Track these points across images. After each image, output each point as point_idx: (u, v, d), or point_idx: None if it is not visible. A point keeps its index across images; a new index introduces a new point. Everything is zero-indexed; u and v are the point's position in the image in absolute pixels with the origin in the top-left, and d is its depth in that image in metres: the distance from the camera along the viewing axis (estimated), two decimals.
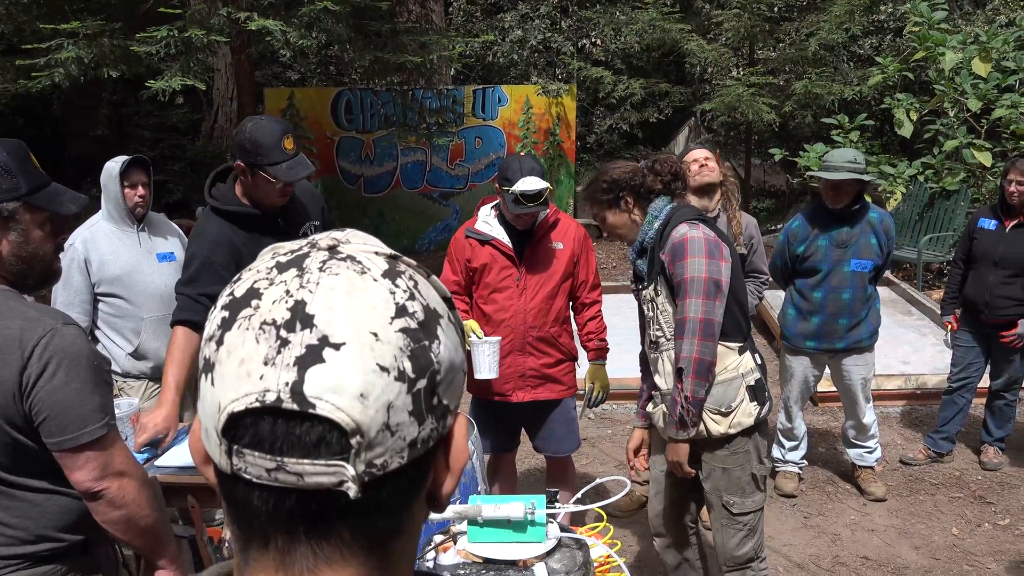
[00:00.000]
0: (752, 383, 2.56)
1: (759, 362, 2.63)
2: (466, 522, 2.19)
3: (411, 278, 0.57)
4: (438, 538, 2.25)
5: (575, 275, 3.15)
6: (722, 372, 2.53)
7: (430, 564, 2.17)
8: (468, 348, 3.03)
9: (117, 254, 3.21)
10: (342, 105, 9.41)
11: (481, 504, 2.21)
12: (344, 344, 0.52)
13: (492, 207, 3.15)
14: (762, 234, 3.81)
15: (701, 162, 3.49)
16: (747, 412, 2.54)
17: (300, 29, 6.29)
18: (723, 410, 2.54)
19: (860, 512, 3.92)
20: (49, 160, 9.67)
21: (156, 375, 3.36)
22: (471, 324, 3.06)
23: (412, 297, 0.56)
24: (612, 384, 5.57)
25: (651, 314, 2.62)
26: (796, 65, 9.64)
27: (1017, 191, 3.94)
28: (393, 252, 0.59)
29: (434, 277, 0.61)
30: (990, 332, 4.11)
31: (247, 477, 0.53)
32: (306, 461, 0.52)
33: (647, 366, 2.79)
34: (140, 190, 3.27)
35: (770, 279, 3.73)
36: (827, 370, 4.03)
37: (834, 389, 4.34)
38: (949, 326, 4.35)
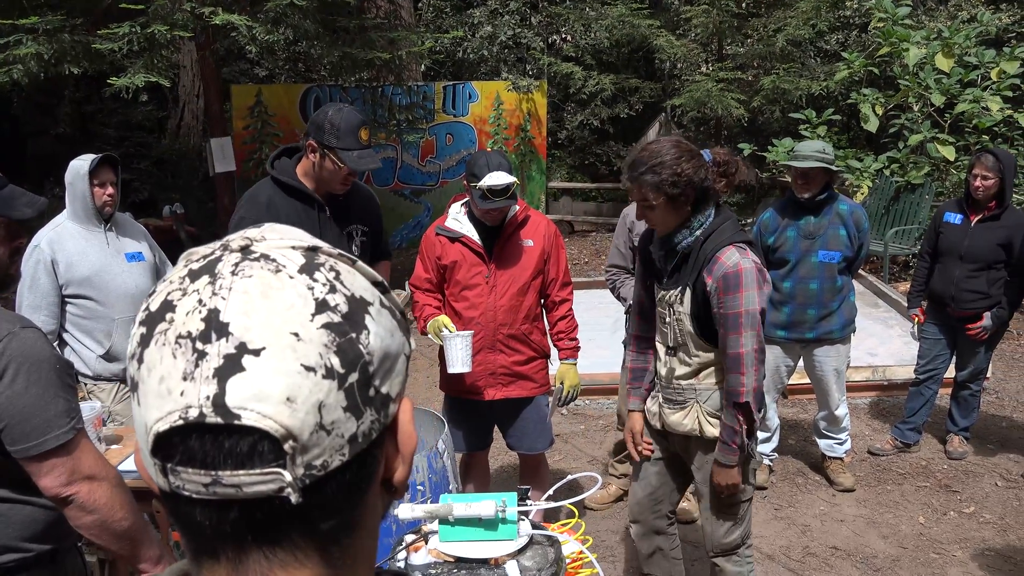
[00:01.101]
0: None
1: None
2: (437, 521, 2.17)
3: (332, 269, 0.55)
4: (409, 538, 2.23)
5: (545, 272, 3.14)
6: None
7: (401, 564, 2.15)
8: (440, 343, 3.01)
9: (85, 254, 3.15)
10: (311, 102, 9.32)
11: (452, 503, 2.20)
12: (263, 349, 0.51)
13: (462, 204, 3.13)
14: None
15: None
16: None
17: (266, 24, 6.21)
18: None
19: (829, 503, 3.97)
20: (9, 159, 9.46)
21: (126, 377, 3.29)
22: (443, 319, 3.04)
23: (333, 290, 0.54)
24: (584, 380, 5.55)
25: (667, 317, 2.57)
26: (764, 61, 9.72)
27: (982, 185, 4.00)
28: (313, 243, 0.57)
29: (360, 263, 0.58)
30: (956, 325, 4.18)
31: (186, 494, 0.52)
32: (241, 472, 0.50)
33: (644, 345, 2.76)
34: (109, 189, 3.22)
35: None
36: (800, 362, 4.08)
37: (805, 381, 4.39)
38: (916, 319, 4.41)
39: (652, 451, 2.79)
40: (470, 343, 2.96)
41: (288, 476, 0.50)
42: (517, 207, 3.10)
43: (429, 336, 3.08)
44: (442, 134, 9.71)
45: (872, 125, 7.73)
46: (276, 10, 6.28)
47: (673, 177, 2.34)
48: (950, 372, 4.40)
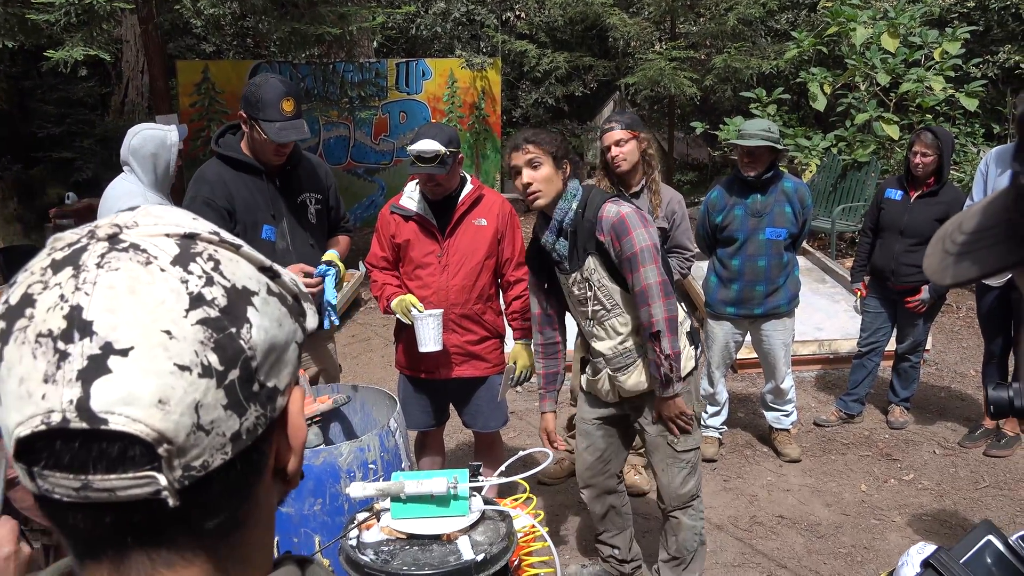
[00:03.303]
0: (688, 329, 2.74)
1: (686, 310, 2.79)
2: (389, 499, 2.18)
3: (210, 258, 0.52)
4: (361, 516, 2.24)
5: (499, 252, 3.14)
6: None
7: (353, 542, 2.16)
8: (409, 322, 3.01)
9: None
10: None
11: (404, 480, 2.21)
12: (131, 349, 0.48)
13: (417, 183, 3.12)
14: (687, 207, 3.85)
15: (614, 152, 3.46)
16: (689, 356, 2.71)
17: None
18: None
19: (776, 473, 4.08)
20: None
21: None
22: (410, 299, 3.03)
23: (210, 282, 0.51)
24: None
25: (587, 293, 2.68)
26: (716, 39, 9.80)
27: (921, 162, 4.11)
28: (190, 230, 0.53)
29: (246, 249, 0.55)
30: (896, 298, 4.30)
31: (56, 497, 0.49)
32: (113, 476, 0.48)
33: (551, 350, 2.91)
34: (179, 160, 3.34)
35: (695, 255, 3.78)
36: (748, 337, 4.16)
37: (753, 356, 4.48)
38: (858, 293, 4.53)
39: (565, 446, 2.98)
40: (440, 322, 2.97)
41: (163, 480, 0.48)
42: (471, 186, 3.10)
43: (396, 316, 3.07)
44: (395, 112, 9.60)
45: (820, 104, 7.86)
46: None
47: (559, 141, 2.69)
48: (891, 345, 4.54)
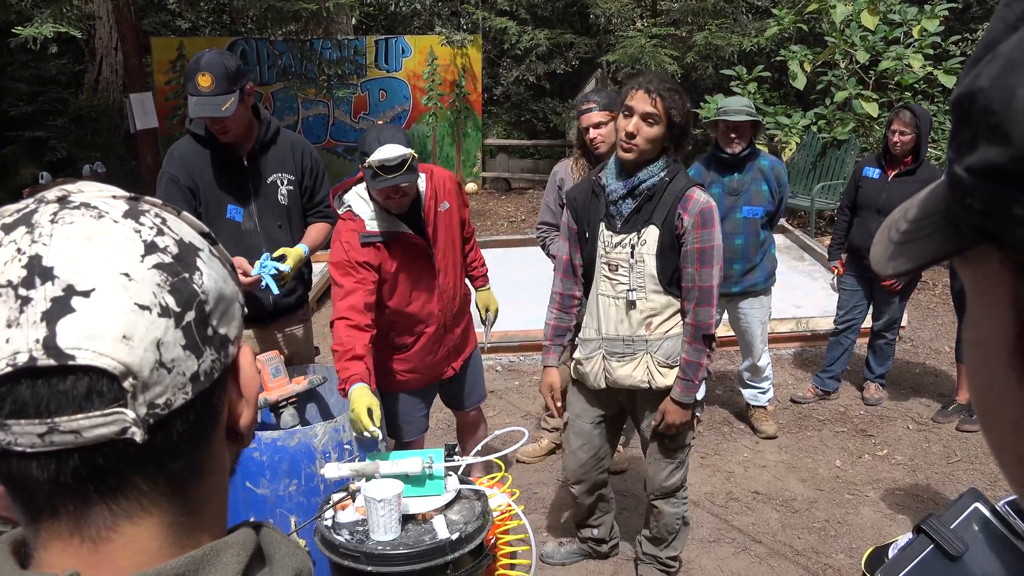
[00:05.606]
0: None
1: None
2: (364, 479, 2.18)
3: (157, 215, 0.55)
4: (337, 496, 2.24)
5: (463, 224, 3.01)
6: (675, 327, 2.61)
7: (328, 522, 2.16)
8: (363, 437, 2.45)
9: None
10: (237, 56, 8.99)
11: (379, 461, 2.21)
12: (93, 290, 0.50)
13: (370, 202, 2.70)
14: None
15: (592, 134, 3.21)
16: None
17: None
18: (671, 363, 2.62)
19: (753, 450, 4.12)
20: None
21: None
22: (362, 415, 2.38)
23: (161, 233, 0.54)
24: (517, 336, 5.57)
25: (627, 260, 2.55)
26: (697, 17, 9.76)
27: (900, 141, 4.12)
28: (134, 194, 0.56)
29: (186, 214, 0.58)
30: (873, 276, 4.33)
31: (19, 449, 0.50)
32: (80, 416, 0.49)
33: (567, 303, 2.77)
34: None
35: None
36: (725, 315, 4.18)
37: (731, 334, 4.51)
38: (835, 270, 4.57)
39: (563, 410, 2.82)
40: (396, 506, 2.12)
41: (131, 414, 0.50)
42: (425, 185, 2.78)
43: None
44: (375, 90, 9.51)
45: (800, 82, 7.86)
46: None
47: (683, 105, 2.48)
48: (867, 322, 4.58)
